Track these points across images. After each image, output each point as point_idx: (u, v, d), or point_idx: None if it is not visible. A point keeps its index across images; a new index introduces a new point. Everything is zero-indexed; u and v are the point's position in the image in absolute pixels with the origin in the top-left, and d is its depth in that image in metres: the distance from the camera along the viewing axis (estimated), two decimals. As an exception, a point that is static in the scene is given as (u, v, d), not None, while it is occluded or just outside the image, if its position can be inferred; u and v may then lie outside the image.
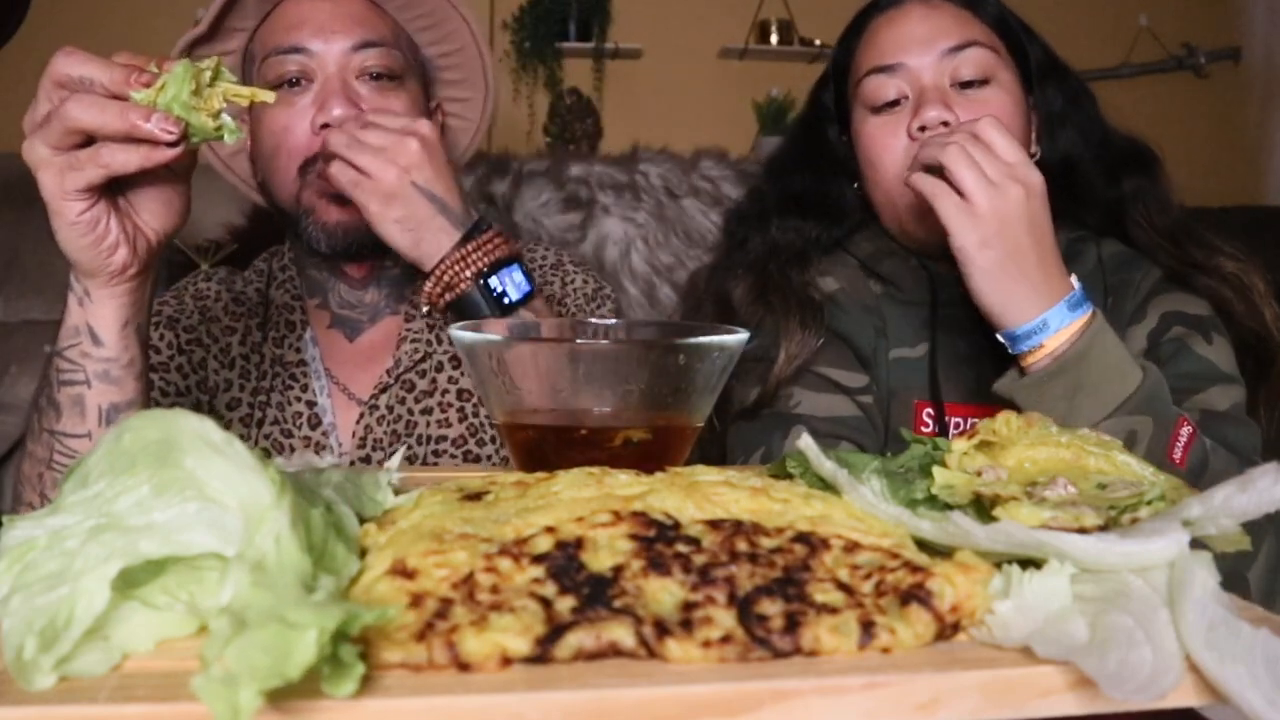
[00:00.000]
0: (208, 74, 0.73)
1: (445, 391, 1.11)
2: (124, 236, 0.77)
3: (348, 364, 1.14)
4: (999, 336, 0.90)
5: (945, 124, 1.02)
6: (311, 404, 1.11)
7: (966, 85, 1.05)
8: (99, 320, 0.80)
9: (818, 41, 3.70)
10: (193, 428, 0.41)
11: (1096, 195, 1.13)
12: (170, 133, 0.71)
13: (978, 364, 1.08)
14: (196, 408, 1.04)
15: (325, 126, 1.00)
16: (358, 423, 1.09)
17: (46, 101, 0.73)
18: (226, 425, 1.09)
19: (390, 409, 1.10)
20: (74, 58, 0.72)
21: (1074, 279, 0.91)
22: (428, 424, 1.09)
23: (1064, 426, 0.56)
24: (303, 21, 1.05)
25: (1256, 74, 3.96)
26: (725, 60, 3.81)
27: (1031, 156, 1.10)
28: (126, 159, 0.72)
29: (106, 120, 0.70)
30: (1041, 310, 0.87)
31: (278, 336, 1.14)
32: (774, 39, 3.77)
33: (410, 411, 1.09)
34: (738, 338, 0.64)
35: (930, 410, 1.08)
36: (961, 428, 1.07)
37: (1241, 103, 3.97)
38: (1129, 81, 3.76)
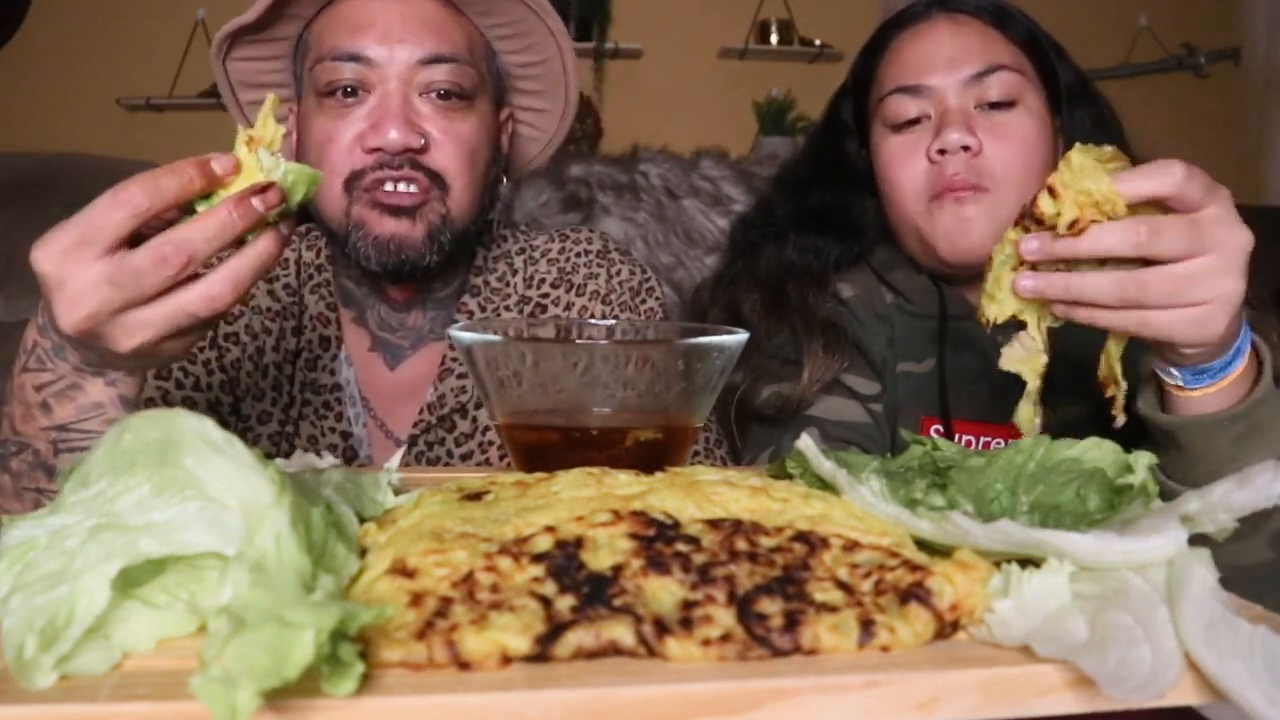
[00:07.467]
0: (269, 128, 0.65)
1: (486, 430, 1.02)
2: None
3: (386, 396, 1.04)
4: (1173, 370, 0.76)
5: (966, 148, 1.01)
6: (347, 435, 1.01)
7: (992, 106, 1.04)
8: (131, 387, 0.73)
9: (818, 41, 3.70)
10: (192, 427, 0.41)
11: None
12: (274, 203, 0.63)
13: (985, 380, 1.07)
14: (214, 407, 0.98)
15: (376, 150, 0.93)
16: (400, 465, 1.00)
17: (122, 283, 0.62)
18: (255, 440, 1.00)
19: (430, 447, 1.02)
20: (122, 206, 0.61)
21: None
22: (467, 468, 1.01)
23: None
24: (368, 23, 0.94)
25: (1256, 74, 3.95)
26: (725, 60, 3.81)
27: None
28: (238, 278, 0.64)
29: (220, 234, 0.62)
30: (1235, 340, 0.74)
31: (311, 358, 1.03)
32: (774, 39, 3.77)
33: (450, 454, 1.02)
34: (737, 338, 0.64)
35: (939, 427, 1.08)
36: (973, 445, 1.06)
37: (1241, 103, 3.96)
38: (1129, 81, 3.75)
